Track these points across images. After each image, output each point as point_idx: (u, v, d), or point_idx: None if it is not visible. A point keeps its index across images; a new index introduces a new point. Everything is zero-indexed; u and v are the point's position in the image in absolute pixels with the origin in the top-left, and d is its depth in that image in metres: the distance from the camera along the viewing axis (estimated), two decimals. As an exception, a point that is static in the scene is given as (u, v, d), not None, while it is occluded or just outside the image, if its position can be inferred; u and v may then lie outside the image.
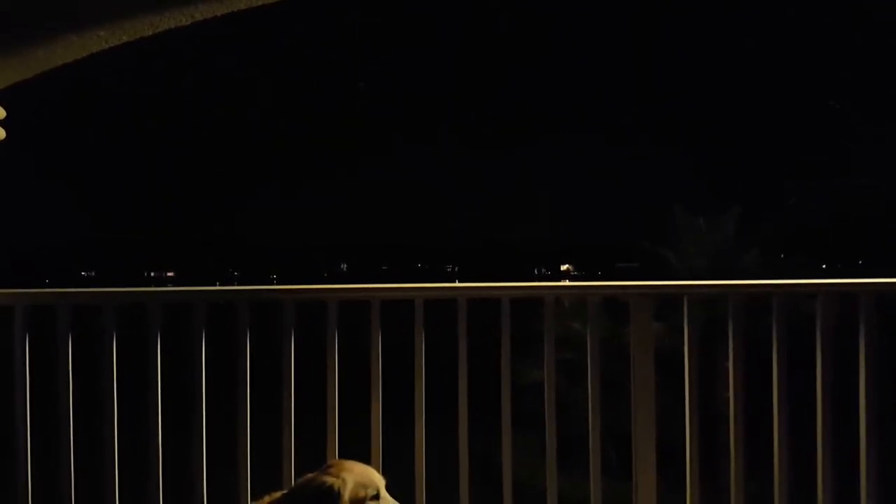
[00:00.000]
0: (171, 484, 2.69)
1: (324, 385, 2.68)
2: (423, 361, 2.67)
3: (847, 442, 2.56)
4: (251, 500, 2.47)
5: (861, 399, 2.52)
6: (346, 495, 2.00)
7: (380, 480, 2.18)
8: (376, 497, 2.09)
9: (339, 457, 2.54)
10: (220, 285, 3.00)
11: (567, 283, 3.42)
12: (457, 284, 2.79)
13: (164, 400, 2.70)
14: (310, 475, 2.21)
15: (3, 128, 2.63)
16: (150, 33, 2.77)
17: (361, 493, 2.03)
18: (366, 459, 2.47)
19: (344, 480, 2.04)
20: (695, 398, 2.61)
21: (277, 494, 2.25)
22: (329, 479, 2.04)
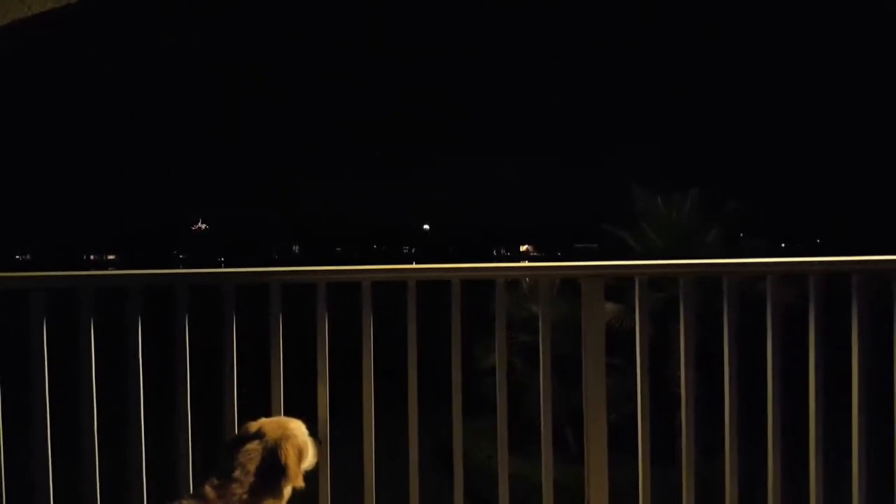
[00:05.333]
0: (105, 472, 2.61)
1: (268, 371, 2.60)
2: (372, 344, 2.61)
3: (797, 421, 2.61)
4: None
5: (811, 378, 2.56)
6: (292, 456, 2.26)
7: (296, 423, 2.40)
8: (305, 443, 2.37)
9: None
10: (164, 269, 2.89)
11: (518, 264, 3.37)
12: (405, 266, 2.71)
13: (102, 386, 2.61)
14: (251, 442, 2.30)
15: None
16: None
17: (278, 433, 2.28)
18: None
19: (261, 423, 2.34)
20: (646, 378, 2.61)
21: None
22: (249, 425, 2.35)
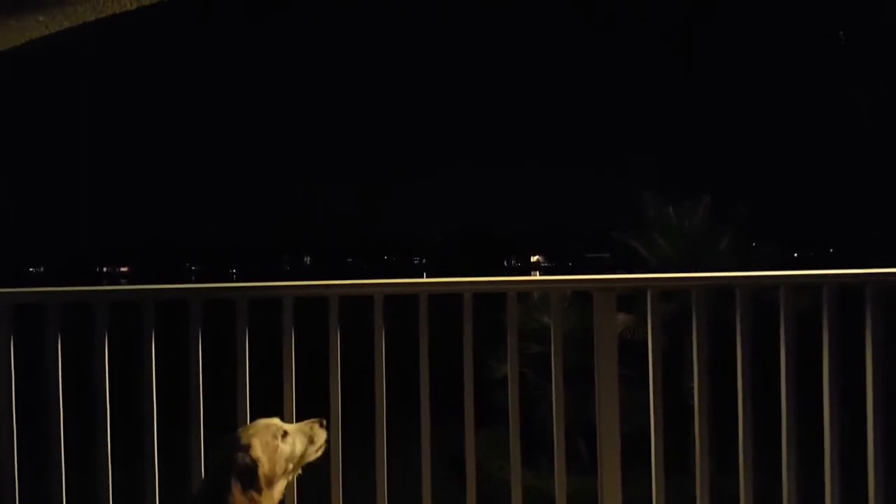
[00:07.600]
0: (118, 483, 2.63)
1: (280, 384, 2.62)
2: (384, 358, 2.62)
3: (813, 433, 2.59)
4: None
5: (825, 388, 2.55)
6: (262, 456, 2.06)
7: (282, 424, 2.24)
8: (285, 435, 2.19)
9: None
10: (177, 282, 2.94)
11: (531, 277, 3.42)
12: (417, 280, 2.75)
13: (115, 401, 2.63)
14: (220, 456, 2.13)
15: None
16: (93, 18, 2.65)
17: (273, 443, 2.12)
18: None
19: (252, 447, 2.07)
20: (659, 390, 2.61)
21: None
22: (241, 456, 2.05)
